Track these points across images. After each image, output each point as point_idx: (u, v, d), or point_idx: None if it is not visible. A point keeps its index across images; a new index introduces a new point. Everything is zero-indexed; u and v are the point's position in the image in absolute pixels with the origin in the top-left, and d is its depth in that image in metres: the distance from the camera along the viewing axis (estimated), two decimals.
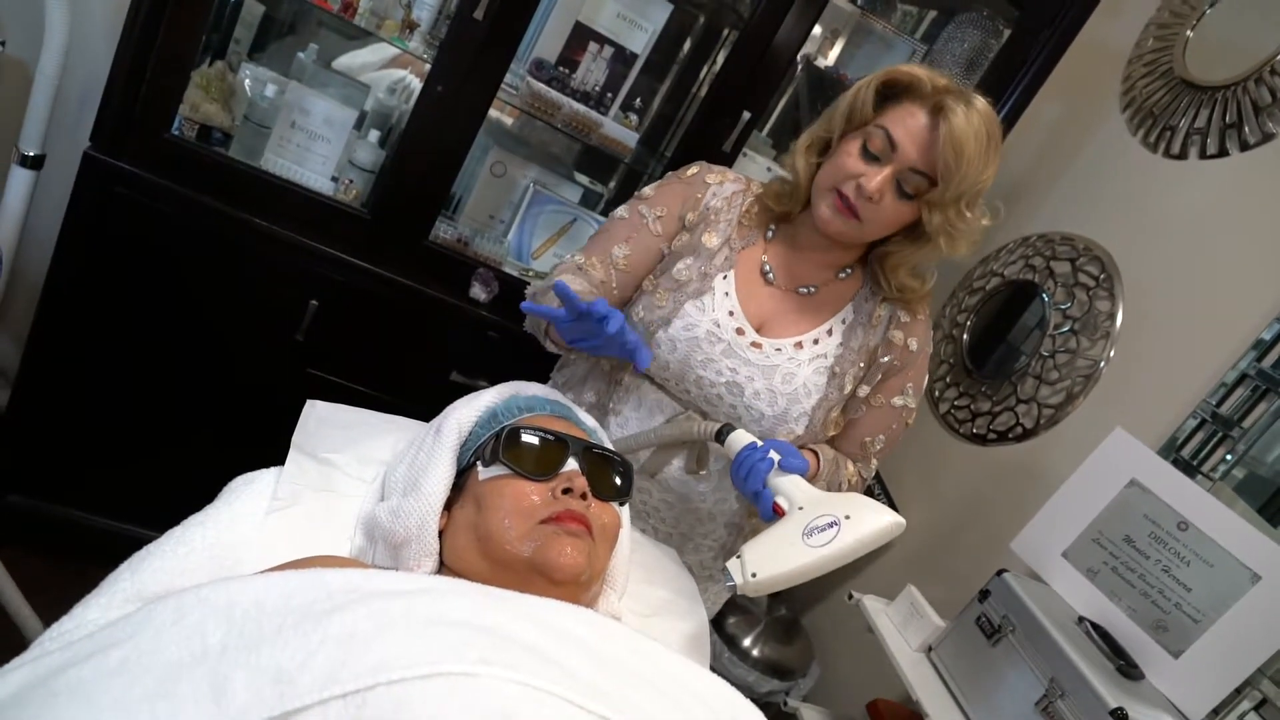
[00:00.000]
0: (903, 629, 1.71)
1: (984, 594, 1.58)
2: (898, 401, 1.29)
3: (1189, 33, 1.90)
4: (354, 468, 1.02)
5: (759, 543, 0.97)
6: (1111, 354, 1.82)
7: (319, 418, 1.10)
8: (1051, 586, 1.59)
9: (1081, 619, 1.51)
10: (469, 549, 0.88)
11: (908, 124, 1.10)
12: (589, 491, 0.89)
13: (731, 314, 1.21)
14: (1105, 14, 1.83)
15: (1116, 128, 2.00)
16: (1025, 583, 1.56)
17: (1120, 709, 1.26)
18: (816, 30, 1.85)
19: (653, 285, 1.25)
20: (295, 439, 1.03)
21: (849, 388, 1.25)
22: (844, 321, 1.26)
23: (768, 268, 1.25)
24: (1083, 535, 1.58)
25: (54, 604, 1.69)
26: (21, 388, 1.73)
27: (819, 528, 0.96)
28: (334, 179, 1.82)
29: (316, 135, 1.78)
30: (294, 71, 1.93)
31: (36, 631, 1.32)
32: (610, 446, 1.01)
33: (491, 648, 0.65)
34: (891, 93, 1.14)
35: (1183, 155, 1.84)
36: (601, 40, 1.85)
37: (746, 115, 1.75)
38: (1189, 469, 1.58)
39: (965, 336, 2.17)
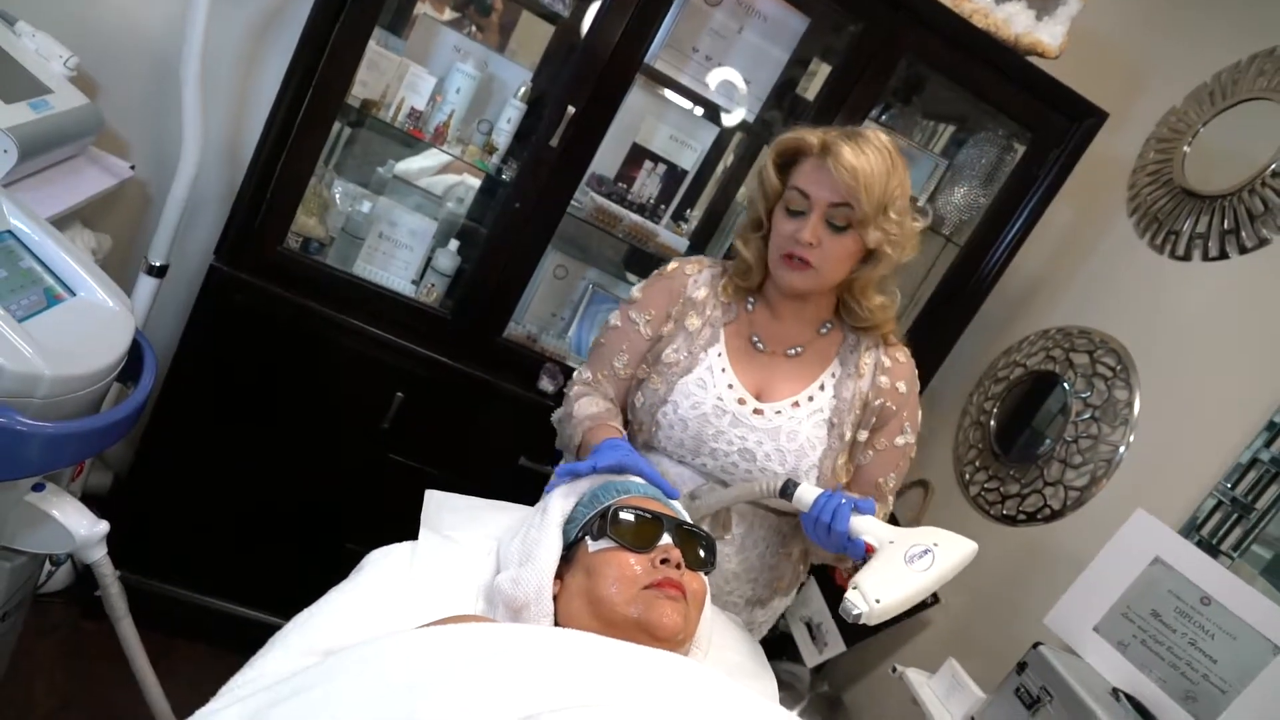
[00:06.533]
0: (945, 701, 1.81)
1: (1021, 666, 1.69)
2: (900, 441, 1.43)
3: (1186, 147, 2.10)
4: (472, 543, 1.18)
5: (870, 574, 1.08)
6: (1131, 439, 1.96)
7: (438, 503, 1.27)
8: (1085, 659, 1.70)
9: (1115, 690, 1.61)
10: (582, 611, 1.02)
11: (810, 175, 1.28)
12: (682, 562, 1.04)
13: (731, 387, 1.35)
14: (1109, 130, 2.03)
15: (1125, 231, 2.19)
16: (1060, 655, 1.67)
17: None
18: None
19: (646, 373, 1.39)
20: (424, 519, 1.20)
21: (849, 435, 1.38)
22: (833, 375, 1.40)
23: (756, 338, 1.39)
24: (1112, 610, 1.69)
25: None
26: (130, 471, 1.90)
27: (917, 555, 1.09)
28: (414, 282, 2.02)
29: (401, 244, 1.99)
30: (374, 184, 2.15)
31: (157, 693, 1.45)
32: (694, 523, 1.16)
33: (626, 685, 0.79)
34: (789, 161, 1.32)
35: (1187, 257, 2.02)
36: (656, 159, 2.06)
37: None
38: (1209, 548, 1.71)
39: (992, 423, 2.31)
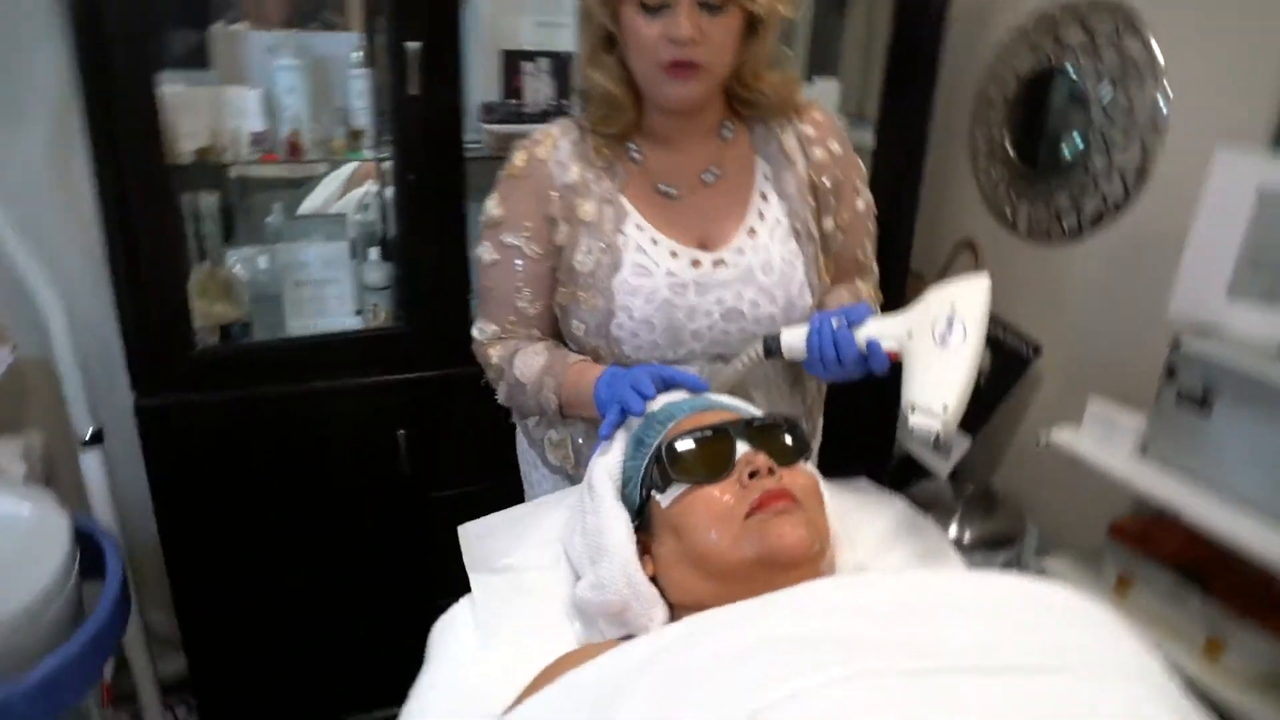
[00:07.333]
0: (1105, 445, 1.61)
1: (1170, 371, 1.48)
2: (860, 205, 1.21)
3: None
4: (533, 562, 0.98)
5: (917, 384, 0.92)
6: (1168, 88, 1.69)
7: (476, 535, 1.06)
8: (1234, 331, 1.48)
9: None
10: (689, 578, 0.83)
11: None
12: (773, 464, 0.83)
13: (675, 255, 1.10)
14: None
15: None
16: (1207, 342, 1.46)
17: None
18: None
19: (570, 296, 1.13)
20: (467, 564, 1.00)
21: (816, 231, 1.16)
22: (767, 177, 1.15)
23: (662, 185, 1.13)
24: (1239, 267, 1.46)
25: None
26: (186, 642, 1.74)
27: (945, 332, 0.92)
28: (358, 312, 1.81)
29: (323, 281, 1.77)
30: (270, 235, 1.92)
31: None
32: (763, 414, 0.95)
33: (798, 661, 0.59)
34: None
35: None
36: (532, 56, 1.80)
37: None
38: None
39: (1008, 148, 2.06)
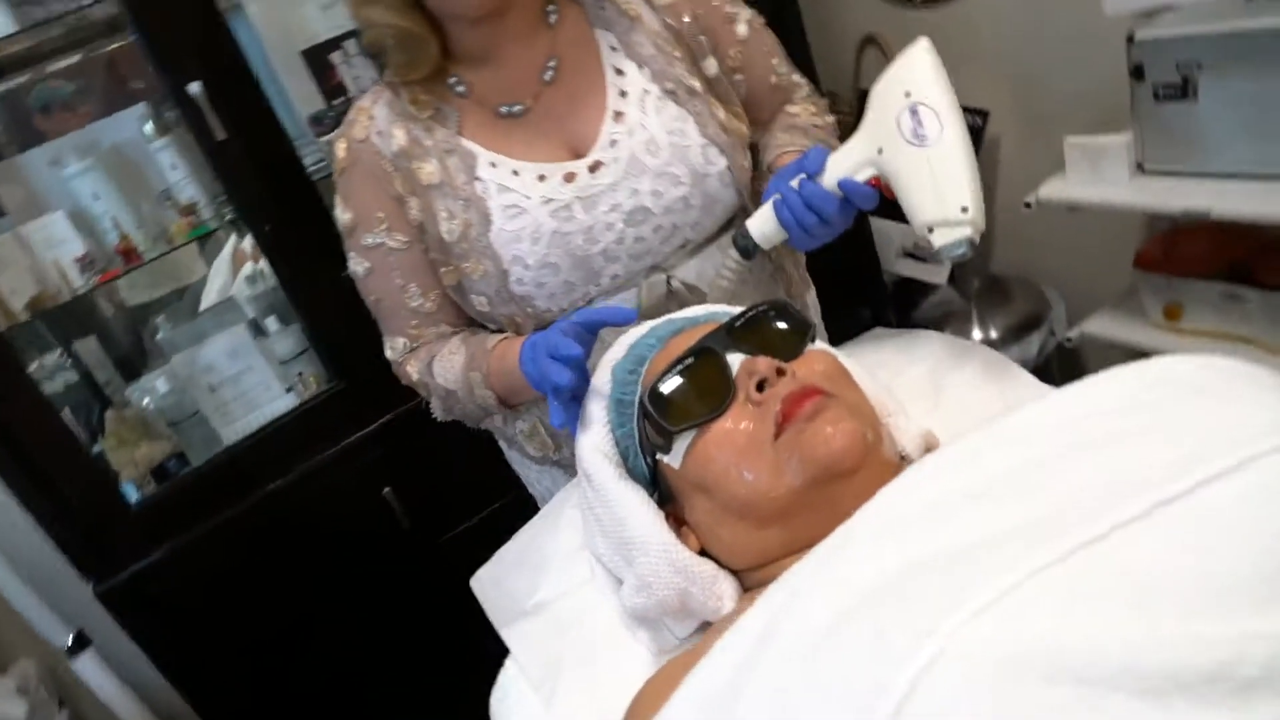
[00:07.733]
0: (1097, 178, 1.46)
1: (1138, 70, 1.32)
2: (741, 30, 1.02)
3: None
4: (564, 584, 0.84)
5: (919, 202, 0.78)
6: None
7: (491, 581, 0.92)
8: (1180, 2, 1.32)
9: None
10: (742, 535, 0.68)
11: None
12: (779, 364, 0.68)
13: (543, 178, 0.94)
14: None
15: None
16: (1157, 30, 1.29)
17: None
18: None
19: (454, 273, 0.97)
20: (494, 619, 0.86)
21: (698, 83, 0.97)
22: (614, 48, 0.98)
23: (503, 108, 0.97)
24: None
25: None
26: None
27: (914, 126, 0.78)
28: (289, 390, 1.64)
29: (237, 375, 1.62)
30: (169, 351, 1.74)
31: None
32: (741, 310, 0.79)
33: (917, 610, 0.45)
34: None
35: None
36: (334, 44, 1.59)
37: None
38: None
39: None
